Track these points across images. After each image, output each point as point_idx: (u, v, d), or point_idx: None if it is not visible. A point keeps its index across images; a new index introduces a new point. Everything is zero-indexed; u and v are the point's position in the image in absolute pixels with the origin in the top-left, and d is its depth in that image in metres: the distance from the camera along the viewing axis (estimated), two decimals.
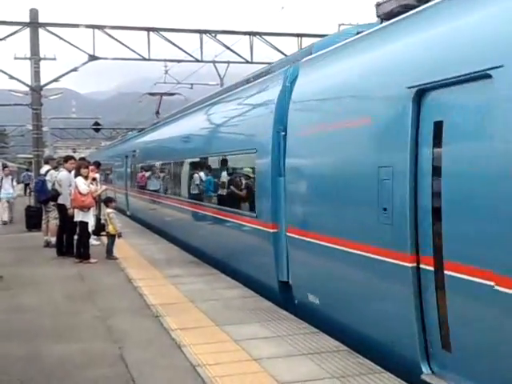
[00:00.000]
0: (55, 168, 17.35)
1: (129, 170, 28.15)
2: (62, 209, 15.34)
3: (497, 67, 4.80)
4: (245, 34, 28.53)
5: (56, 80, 28.71)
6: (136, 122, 70.32)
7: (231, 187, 12.54)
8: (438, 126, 5.64)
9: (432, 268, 5.78)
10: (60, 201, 15.42)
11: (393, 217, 6.35)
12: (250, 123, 11.64)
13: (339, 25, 26.56)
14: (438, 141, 5.66)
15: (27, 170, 57.97)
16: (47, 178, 16.83)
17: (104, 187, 17.79)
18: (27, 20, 26.26)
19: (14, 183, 27.16)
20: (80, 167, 14.70)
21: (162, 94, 33.58)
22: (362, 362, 6.63)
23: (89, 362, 7.03)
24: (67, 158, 16.57)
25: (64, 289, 11.38)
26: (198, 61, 28.97)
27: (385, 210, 6.48)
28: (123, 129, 69.70)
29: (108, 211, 15.18)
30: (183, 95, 34.00)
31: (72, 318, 9.20)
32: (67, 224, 14.91)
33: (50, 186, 16.34)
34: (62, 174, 15.66)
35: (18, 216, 22.26)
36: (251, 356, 6.97)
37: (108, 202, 15.68)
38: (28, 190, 45.64)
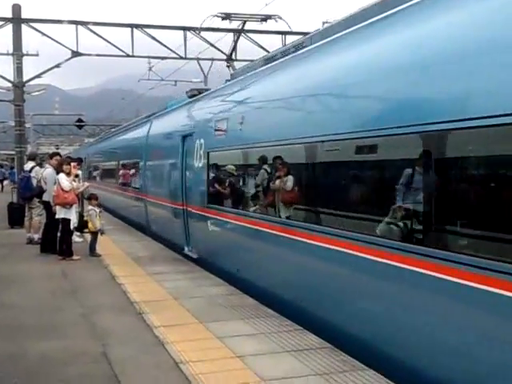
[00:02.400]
0: (39, 164, 17.28)
1: (196, 164, 13.50)
2: (46, 206, 15.27)
3: None
4: (229, 31, 28.50)
5: (39, 76, 28.54)
6: (120, 118, 70.16)
7: None
8: None
9: None
10: (45, 198, 15.36)
11: None
12: None
13: (323, 22, 26.55)
14: None
15: (1, 166, 59.03)
16: (32, 174, 16.75)
17: (86, 184, 17.70)
18: (10, 15, 26.09)
19: None
20: (62, 164, 14.63)
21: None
22: (345, 360, 6.66)
23: (72, 359, 7.00)
24: (53, 155, 16.52)
25: (47, 286, 11.34)
26: (181, 58, 28.90)
27: None
28: (106, 125, 69.43)
29: (88, 208, 15.13)
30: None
31: (55, 315, 9.16)
32: (52, 221, 14.83)
33: (35, 182, 16.27)
34: (47, 171, 15.58)
35: None
36: (235, 353, 6.98)
37: (91, 198, 15.60)
38: (0, 186, 47.01)
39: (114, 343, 7.59)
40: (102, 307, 9.54)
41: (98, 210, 15.05)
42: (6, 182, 51.92)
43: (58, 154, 17.28)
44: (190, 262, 13.48)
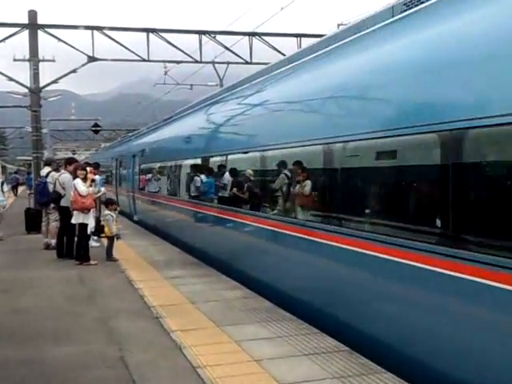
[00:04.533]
0: (56, 170, 17.34)
1: None
2: (64, 211, 15.30)
3: None
4: (244, 34, 28.57)
5: (55, 82, 28.71)
6: (135, 123, 70.48)
7: None
8: None
9: None
10: (63, 203, 15.38)
11: None
12: None
13: (338, 24, 26.55)
14: None
15: (15, 172, 61.97)
16: (48, 179, 16.80)
17: (103, 190, 17.77)
18: (26, 21, 26.27)
19: (5, 188, 22.44)
20: (76, 169, 14.68)
21: None
22: (363, 363, 6.61)
23: (89, 364, 7.00)
24: (70, 161, 16.53)
25: (64, 291, 11.35)
26: (197, 62, 29.01)
27: None
28: (123, 130, 69.72)
29: (105, 213, 15.16)
30: None
31: (72, 320, 9.17)
32: (68, 226, 14.86)
33: (51, 187, 16.32)
34: (65, 177, 15.61)
35: (13, 220, 22.25)
36: (252, 357, 6.94)
37: (108, 203, 15.65)
38: (15, 191, 49.59)
39: (132, 348, 7.57)
40: (118, 312, 9.53)
41: (114, 215, 15.08)
42: (22, 188, 53.37)
43: (75, 160, 17.33)
44: (206, 266, 13.44)
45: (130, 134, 36.81)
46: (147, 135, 27.18)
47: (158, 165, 21.78)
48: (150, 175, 23.38)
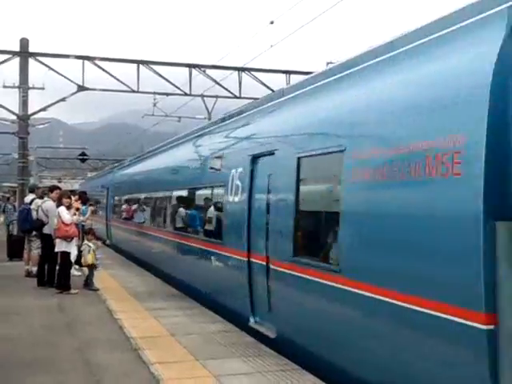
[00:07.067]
0: (40, 197, 17.25)
1: None
2: (46, 238, 15.18)
3: None
4: (234, 69, 28.81)
5: (44, 109, 28.75)
6: (123, 153, 70.40)
7: None
8: None
9: None
10: (46, 230, 15.27)
11: None
12: None
13: (327, 63, 26.81)
14: None
15: None
16: (32, 206, 16.69)
17: (90, 208, 17.80)
18: (17, 49, 26.37)
19: None
20: (62, 197, 14.63)
21: None
22: None
23: None
24: (52, 188, 16.53)
25: (43, 320, 11.23)
26: (186, 94, 29.21)
27: None
28: (110, 160, 69.61)
29: (85, 242, 15.09)
30: None
31: (50, 349, 9.05)
32: (50, 254, 14.75)
33: (34, 214, 16.20)
34: (49, 204, 15.55)
35: None
36: None
37: (88, 233, 15.60)
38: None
39: (109, 379, 7.49)
40: (97, 342, 9.43)
41: (92, 245, 14.96)
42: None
43: (58, 187, 17.29)
44: (188, 298, 13.35)
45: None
46: None
47: None
48: None
